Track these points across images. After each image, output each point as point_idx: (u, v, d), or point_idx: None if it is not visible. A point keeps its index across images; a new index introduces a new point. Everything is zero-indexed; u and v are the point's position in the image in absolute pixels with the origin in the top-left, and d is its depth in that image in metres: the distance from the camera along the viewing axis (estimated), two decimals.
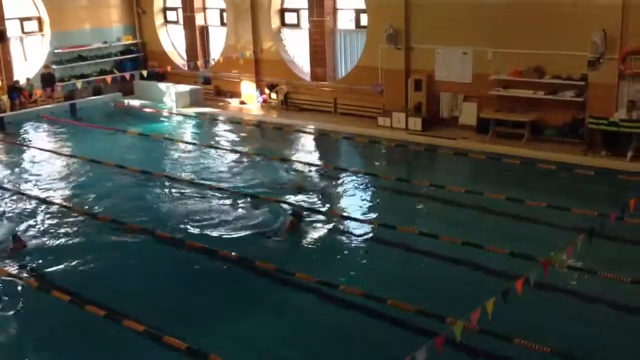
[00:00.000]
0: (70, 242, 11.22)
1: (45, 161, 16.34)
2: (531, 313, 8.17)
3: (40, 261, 10.45)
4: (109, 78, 21.73)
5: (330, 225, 11.50)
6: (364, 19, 19.45)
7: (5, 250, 10.82)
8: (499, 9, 16.55)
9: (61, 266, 10.29)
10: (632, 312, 8.37)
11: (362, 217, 11.89)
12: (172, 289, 9.58)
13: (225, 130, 19.38)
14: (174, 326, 8.19)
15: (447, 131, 17.56)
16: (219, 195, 13.24)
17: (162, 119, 20.99)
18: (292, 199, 12.81)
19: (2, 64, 21.24)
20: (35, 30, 22.64)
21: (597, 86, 15.50)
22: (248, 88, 22.22)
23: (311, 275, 9.35)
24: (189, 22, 23.49)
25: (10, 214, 12.53)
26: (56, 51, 22.73)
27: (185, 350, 7.59)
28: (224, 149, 16.95)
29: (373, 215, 12.07)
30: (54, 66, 22.55)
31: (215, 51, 23.51)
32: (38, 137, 19.02)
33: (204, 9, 23.65)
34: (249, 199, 12.85)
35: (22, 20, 22.28)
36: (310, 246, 10.73)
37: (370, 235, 11.11)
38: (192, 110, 21.35)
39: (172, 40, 24.91)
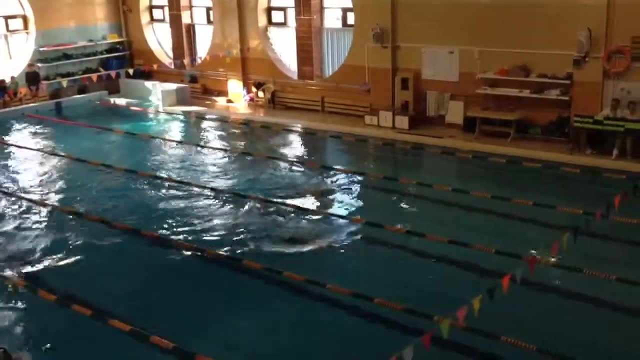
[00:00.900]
0: (55, 241, 11.15)
1: (30, 160, 16.23)
2: (518, 310, 8.22)
3: (25, 261, 10.38)
4: (94, 76, 21.59)
5: (317, 224, 11.51)
6: (351, 18, 19.45)
7: None
8: (486, 8, 16.61)
9: (45, 265, 10.23)
10: (617, 309, 8.43)
11: (349, 216, 11.89)
12: (159, 288, 9.55)
13: (212, 129, 19.34)
14: (161, 326, 8.17)
15: (434, 130, 17.61)
16: (206, 194, 13.22)
17: (148, 117, 20.90)
18: (280, 197, 12.81)
19: None
20: (20, 29, 22.46)
21: (582, 85, 15.61)
22: (235, 86, 22.16)
23: (299, 274, 9.35)
24: (175, 20, 23.39)
25: None
26: (41, 49, 22.55)
27: (172, 349, 7.57)
28: (210, 148, 16.92)
29: (361, 214, 12.08)
30: (39, 64, 22.37)
31: (202, 49, 23.43)
32: (23, 135, 18.88)
33: (191, 7, 23.55)
34: (235, 198, 12.83)
35: (6, 18, 22.09)
36: (298, 245, 10.71)
37: (358, 233, 11.12)
38: (178, 109, 21.27)
39: (158, 39, 24.80)
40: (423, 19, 17.69)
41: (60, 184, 14.28)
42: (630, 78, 15.05)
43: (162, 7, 24.11)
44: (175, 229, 11.41)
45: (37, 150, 17.01)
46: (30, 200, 13.08)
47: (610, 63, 15.15)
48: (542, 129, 16.42)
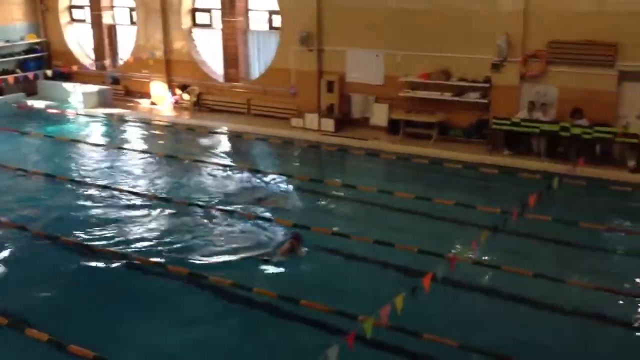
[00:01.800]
0: None
1: None
2: (440, 308, 8.42)
3: None
4: (11, 78, 20.75)
5: (244, 227, 11.46)
6: (277, 20, 19.47)
7: None
8: (409, 13, 16.95)
9: None
10: (534, 305, 8.74)
11: (275, 218, 11.88)
12: (78, 295, 9.28)
13: (135, 132, 18.94)
14: (81, 334, 7.95)
15: (359, 132, 17.83)
16: (129, 198, 12.94)
17: (68, 120, 20.26)
18: (205, 201, 12.68)
19: None
20: None
21: (500, 88, 16.15)
22: (159, 89, 21.78)
23: (225, 279, 9.29)
24: (96, 21, 22.79)
25: None
26: None
27: (92, 359, 7.37)
28: (133, 151, 16.57)
29: (287, 216, 12.09)
30: None
31: (125, 51, 22.93)
32: None
33: (112, 7, 23.02)
34: (159, 202, 12.62)
35: None
36: (219, 248, 10.62)
37: (285, 236, 11.13)
38: (100, 111, 20.73)
39: (78, 40, 24.09)
40: (348, 23, 17.90)
41: None
42: (545, 81, 15.68)
43: (82, 7, 23.44)
44: (96, 235, 11.11)
45: None
46: None
47: (527, 67, 15.74)
48: (462, 130, 16.88)
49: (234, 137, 18.14)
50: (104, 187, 13.54)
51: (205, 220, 11.75)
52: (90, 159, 16.12)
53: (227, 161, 15.87)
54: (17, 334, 8.03)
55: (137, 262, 10.04)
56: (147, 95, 22.08)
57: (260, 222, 11.68)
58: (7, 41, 22.86)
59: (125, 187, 13.53)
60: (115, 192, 13.23)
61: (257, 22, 20.42)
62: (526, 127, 15.38)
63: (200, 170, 14.90)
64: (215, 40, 20.90)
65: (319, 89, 18.58)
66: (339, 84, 18.27)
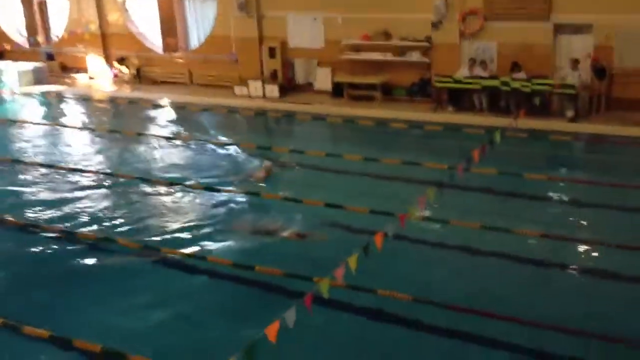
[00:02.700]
0: None
1: None
2: (393, 264, 8.59)
3: None
4: None
5: (192, 198, 11.39)
6: None
7: None
8: None
9: None
10: (484, 255, 8.99)
11: (224, 187, 11.83)
12: (27, 276, 9.09)
13: (75, 109, 18.49)
14: (34, 315, 7.83)
15: (304, 97, 17.83)
16: (71, 176, 12.67)
17: (3, 100, 19.61)
18: (152, 174, 12.54)
19: None
20: None
21: (440, 46, 16.33)
22: (96, 63, 21.24)
23: (177, 249, 9.25)
24: None
25: None
26: None
27: (48, 338, 7.29)
28: (74, 128, 16.19)
29: (236, 184, 12.05)
30: None
31: (59, 26, 22.20)
32: None
33: None
34: (104, 178, 12.42)
35: None
36: (173, 220, 10.55)
37: (234, 203, 11.11)
38: (36, 89, 20.12)
39: (9, 17, 23.18)
40: None
41: None
42: (483, 37, 15.92)
43: None
44: (40, 214, 10.87)
45: None
46: None
47: (465, 24, 15.94)
48: (406, 90, 17.07)
49: (178, 109, 17.89)
50: (46, 166, 13.22)
51: (153, 195, 11.62)
52: (30, 138, 15.67)
53: (172, 133, 15.67)
54: None
55: (83, 237, 9.86)
56: (84, 70, 21.53)
57: (207, 192, 11.59)
58: None
59: (67, 165, 13.23)
60: (59, 171, 12.93)
61: None
62: (468, 83, 15.64)
63: (145, 144, 14.68)
64: (151, 10, 20.41)
65: (261, 56, 18.43)
66: (281, 49, 18.16)
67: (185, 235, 10.05)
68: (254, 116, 16.98)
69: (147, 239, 9.76)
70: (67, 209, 11.10)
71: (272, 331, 4.93)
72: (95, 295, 8.42)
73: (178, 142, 14.82)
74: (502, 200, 10.99)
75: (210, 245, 9.60)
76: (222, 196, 11.37)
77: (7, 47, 20.84)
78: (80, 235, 9.97)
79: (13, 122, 16.86)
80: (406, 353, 6.92)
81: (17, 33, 23.04)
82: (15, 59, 21.88)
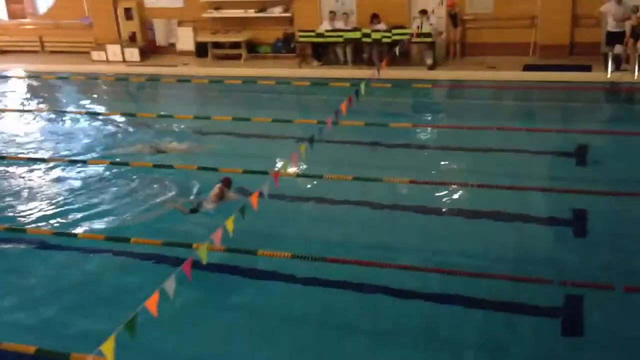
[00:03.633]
0: None
1: None
2: (271, 224, 8.66)
3: None
4: None
5: (52, 172, 10.82)
6: None
7: None
8: None
9: None
10: (360, 205, 9.24)
11: (89, 159, 11.33)
12: None
13: None
14: None
15: (167, 59, 17.31)
16: None
17: None
18: (6, 152, 11.78)
19: None
20: None
21: (301, 1, 16.32)
22: None
23: (44, 228, 8.81)
24: None
25: None
26: None
27: None
28: None
29: (102, 155, 11.58)
30: None
31: None
32: None
33: None
34: None
35: None
36: (36, 197, 9.99)
37: (104, 174, 10.69)
38: None
39: None
40: None
41: None
42: None
43: None
44: None
45: None
46: None
47: None
48: (270, 47, 16.97)
49: (31, 79, 16.81)
50: None
51: (10, 172, 10.95)
52: None
53: (26, 105, 14.73)
54: None
55: None
56: None
57: (70, 165, 11.04)
58: None
59: None
60: None
61: None
62: (330, 37, 15.79)
63: None
64: None
65: (117, 18, 17.61)
66: (137, 10, 17.42)
67: (51, 212, 9.57)
68: (115, 82, 16.28)
69: (10, 218, 9.21)
70: None
71: (152, 303, 4.83)
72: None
73: (35, 114, 13.96)
74: (371, 151, 11.30)
75: (76, 220, 9.19)
76: (90, 169, 10.88)
77: None
78: None
79: None
80: (294, 308, 7.04)
81: None
82: None
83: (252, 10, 16.70)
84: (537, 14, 15.55)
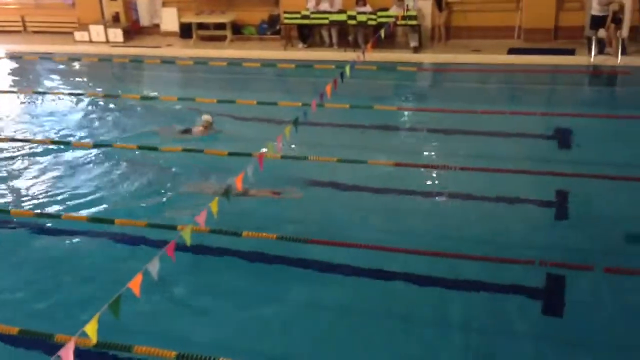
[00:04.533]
0: None
1: None
2: (258, 207, 8.68)
3: None
4: None
5: (36, 155, 10.74)
6: None
7: None
8: None
9: None
10: (343, 188, 9.27)
11: (74, 140, 11.27)
12: None
13: None
14: None
15: (151, 39, 17.17)
16: None
17: None
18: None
19: None
20: None
21: None
22: None
23: (28, 210, 8.77)
24: None
25: None
26: None
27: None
28: None
29: (88, 137, 11.51)
30: None
31: None
32: None
33: None
34: None
35: None
36: (16, 179, 9.92)
37: (89, 157, 10.62)
38: None
39: None
40: None
41: None
42: None
43: None
44: None
45: None
46: None
47: None
48: (255, 28, 16.87)
49: (14, 59, 16.61)
50: None
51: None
52: None
53: (9, 86, 14.58)
54: None
55: None
56: None
57: (55, 147, 10.97)
58: None
59: None
60: None
61: None
62: (316, 19, 15.72)
63: None
64: None
65: None
66: None
67: (36, 193, 9.52)
68: (98, 63, 16.13)
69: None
70: None
71: (135, 284, 4.84)
72: None
73: (17, 95, 13.82)
74: (356, 134, 11.32)
75: (59, 200, 9.15)
76: (77, 151, 10.81)
77: None
78: None
79: None
80: (276, 286, 7.09)
81: None
82: None
83: None
84: None
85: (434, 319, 6.45)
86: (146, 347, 5.64)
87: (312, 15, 15.70)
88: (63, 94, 13.74)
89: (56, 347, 4.69)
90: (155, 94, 13.22)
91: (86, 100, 13.37)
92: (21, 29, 18.65)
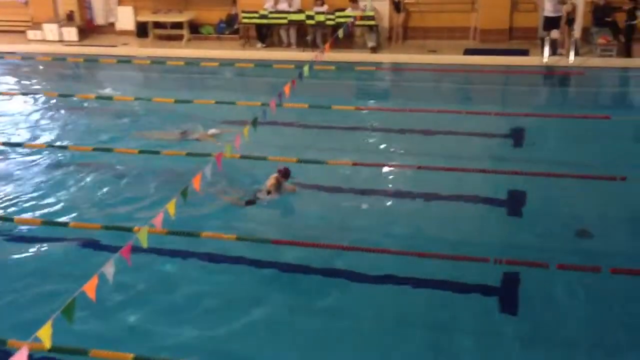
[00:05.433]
0: None
1: None
2: (211, 206, 8.63)
3: None
4: None
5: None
6: None
7: None
8: None
9: None
10: (303, 187, 9.27)
11: (29, 141, 11.01)
12: None
13: None
14: None
15: (106, 39, 16.91)
16: None
17: None
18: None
19: None
20: None
21: None
22: None
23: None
24: None
25: None
26: None
27: None
28: None
29: (42, 139, 11.27)
30: None
31: None
32: None
33: None
34: None
35: None
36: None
37: (42, 158, 10.40)
38: None
39: None
40: None
41: None
42: None
43: None
44: None
45: None
46: None
47: None
48: (213, 27, 16.76)
49: None
50: None
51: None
52: None
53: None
54: None
55: None
56: None
57: (9, 148, 10.74)
58: None
59: None
60: None
61: None
62: (274, 18, 15.69)
63: None
64: None
65: None
66: None
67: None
68: (52, 62, 15.81)
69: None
70: None
71: (90, 287, 4.76)
72: None
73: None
74: (315, 134, 11.33)
75: (14, 205, 8.96)
76: (29, 152, 10.57)
77: None
78: None
79: None
80: (236, 286, 7.06)
81: None
82: None
83: None
84: None
85: (391, 317, 6.51)
86: (104, 350, 5.56)
87: (271, 15, 15.67)
88: (15, 94, 13.43)
89: (9, 353, 4.60)
90: (111, 93, 13.01)
91: (40, 100, 13.09)
92: None
